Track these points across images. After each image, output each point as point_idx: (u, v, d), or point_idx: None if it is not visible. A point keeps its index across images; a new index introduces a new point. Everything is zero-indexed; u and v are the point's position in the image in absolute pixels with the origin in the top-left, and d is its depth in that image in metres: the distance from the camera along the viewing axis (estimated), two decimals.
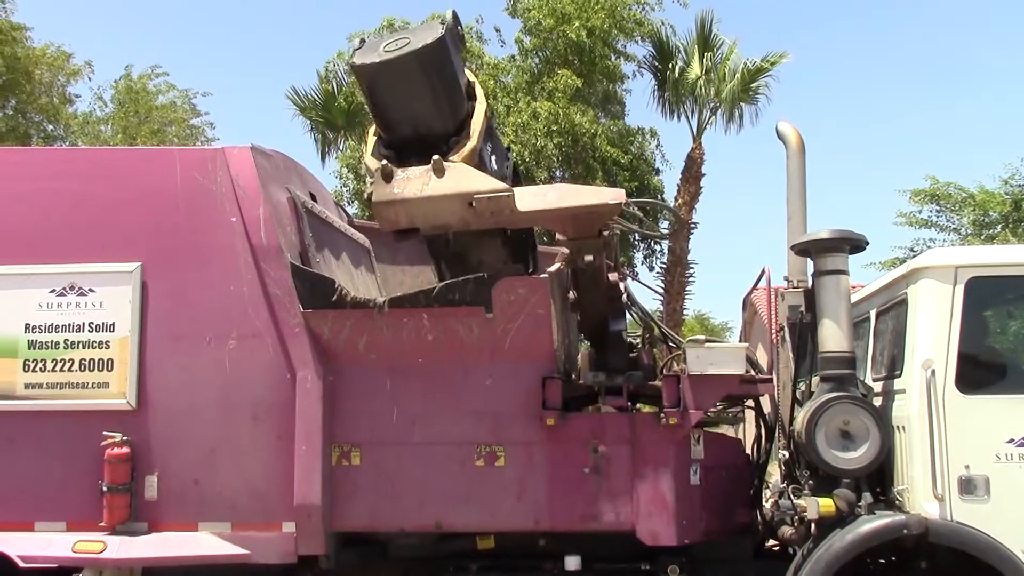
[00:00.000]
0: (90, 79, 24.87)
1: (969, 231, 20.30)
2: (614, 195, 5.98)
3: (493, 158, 6.52)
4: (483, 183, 5.82)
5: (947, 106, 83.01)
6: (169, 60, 71.78)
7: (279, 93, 45.54)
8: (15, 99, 22.50)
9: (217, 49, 66.66)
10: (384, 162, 5.84)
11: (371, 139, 6.28)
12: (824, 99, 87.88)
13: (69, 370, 6.30)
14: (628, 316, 7.24)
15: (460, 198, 5.76)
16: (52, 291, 6.35)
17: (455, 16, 6.03)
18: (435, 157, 5.74)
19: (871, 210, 68.77)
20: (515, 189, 5.89)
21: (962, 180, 22.63)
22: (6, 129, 21.76)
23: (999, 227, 19.84)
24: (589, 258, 6.12)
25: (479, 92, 6.35)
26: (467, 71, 6.39)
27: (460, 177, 5.80)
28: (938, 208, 20.82)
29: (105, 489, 6.09)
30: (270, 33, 72.57)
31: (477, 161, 6.02)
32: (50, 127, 23.84)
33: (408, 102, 5.94)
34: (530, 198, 5.94)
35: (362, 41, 6.14)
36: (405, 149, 6.01)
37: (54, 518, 6.23)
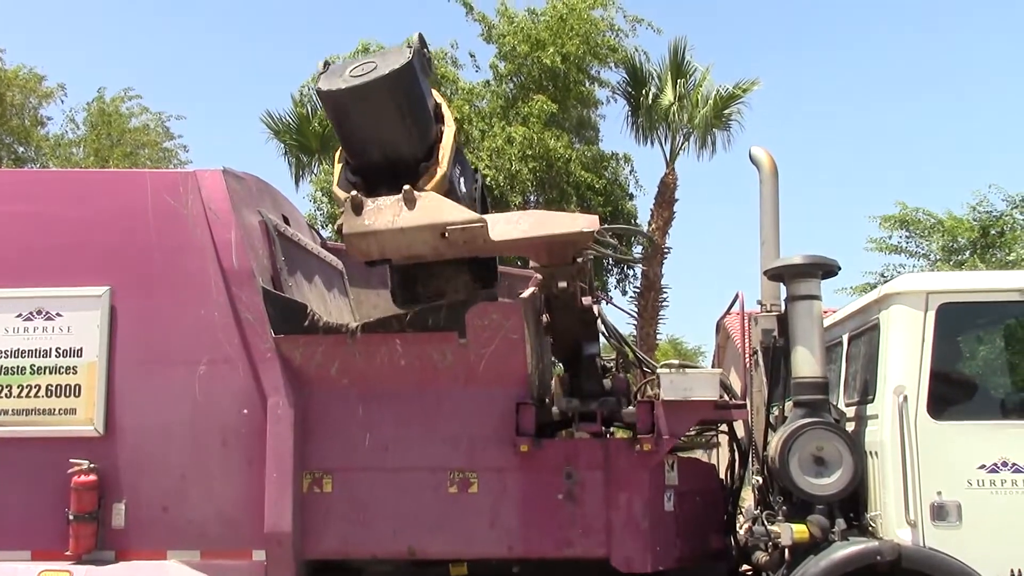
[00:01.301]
0: (62, 101, 24.59)
1: (938, 257, 20.50)
2: (588, 222, 5.98)
3: (462, 180, 6.50)
4: (455, 214, 5.80)
5: (919, 133, 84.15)
6: (143, 83, 71.49)
7: (253, 116, 45.48)
8: None
9: (191, 72, 66.55)
10: (354, 192, 5.80)
11: (338, 166, 6.23)
12: (796, 126, 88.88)
13: (35, 396, 6.20)
14: (602, 340, 7.23)
15: (432, 229, 5.74)
16: (19, 315, 6.25)
17: (421, 39, 6.01)
18: (406, 187, 5.71)
19: (842, 235, 69.34)
20: (487, 217, 5.88)
21: (931, 206, 22.91)
22: None
23: (968, 252, 20.05)
24: (563, 284, 6.11)
25: (447, 115, 6.33)
26: (435, 93, 6.37)
27: (432, 208, 5.77)
28: (907, 234, 21.01)
29: (71, 517, 5.98)
30: (245, 56, 72.60)
31: (448, 187, 6.00)
32: (21, 149, 23.63)
33: (376, 127, 5.89)
34: (503, 226, 5.92)
35: (327, 64, 6.06)
36: (373, 174, 5.97)
37: (19, 547, 6.11)
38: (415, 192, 5.72)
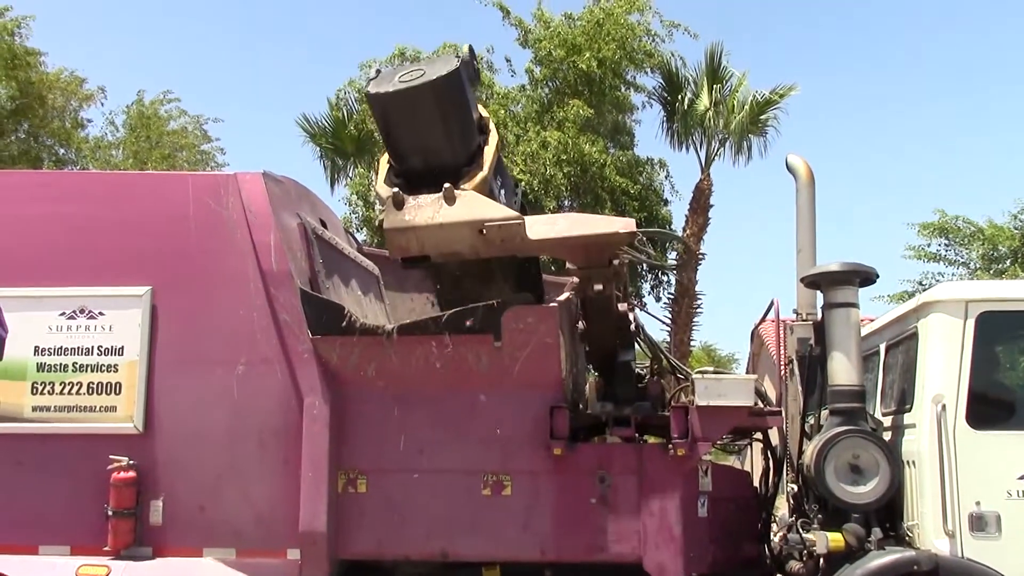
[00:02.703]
0: (102, 104, 24.82)
1: (978, 265, 20.27)
2: (625, 224, 6.00)
3: (502, 192, 6.56)
4: (494, 211, 5.85)
5: (958, 139, 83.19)
6: (181, 86, 72.37)
7: (290, 120, 45.81)
8: (28, 123, 22.60)
9: (229, 76, 67.23)
10: (395, 190, 5.88)
11: (383, 168, 6.33)
12: (833, 131, 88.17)
13: (77, 393, 6.29)
14: (636, 347, 7.23)
15: (471, 225, 5.79)
16: (62, 314, 6.35)
17: (471, 51, 6.11)
18: (446, 185, 5.78)
19: (880, 243, 68.67)
20: (526, 217, 5.91)
21: (971, 214, 22.64)
22: (18, 152, 21.86)
23: (1008, 261, 19.81)
24: (599, 287, 6.12)
25: (491, 128, 6.40)
26: (480, 108, 6.45)
27: (471, 205, 5.83)
28: (947, 242, 20.81)
29: (110, 513, 6.06)
30: (281, 60, 73.23)
31: (487, 191, 6.06)
32: (62, 151, 23.93)
33: (421, 132, 5.99)
34: (541, 226, 5.97)
35: (378, 71, 6.21)
36: (416, 179, 6.04)
37: (58, 542, 6.20)
38: (455, 191, 5.78)
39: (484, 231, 5.78)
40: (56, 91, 23.19)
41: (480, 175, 6.02)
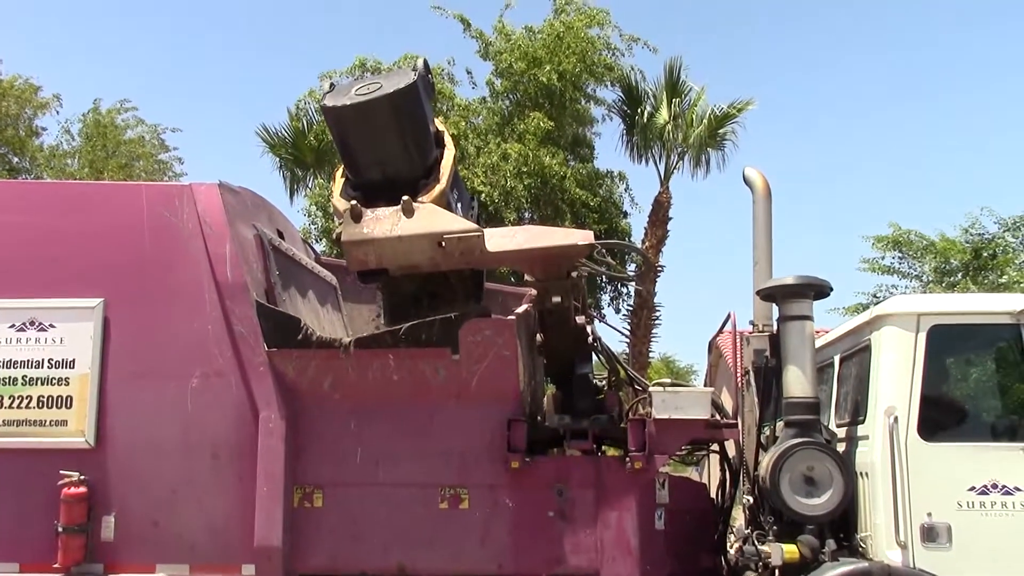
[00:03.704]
0: (58, 112, 24.50)
1: (930, 278, 20.53)
2: (583, 236, 6.03)
3: (459, 206, 6.56)
4: (453, 223, 5.86)
5: (912, 154, 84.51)
6: (139, 95, 71.59)
7: (249, 130, 45.50)
8: None
9: (187, 85, 66.55)
10: (353, 202, 5.86)
11: (339, 180, 6.31)
12: (790, 145, 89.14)
13: (27, 407, 6.20)
14: (594, 358, 7.25)
15: (430, 238, 5.79)
16: (11, 326, 6.25)
17: (426, 64, 6.12)
18: (405, 197, 5.77)
19: (835, 255, 69.54)
20: (484, 230, 5.92)
21: (924, 228, 22.93)
22: None
23: (960, 275, 20.09)
24: (557, 299, 6.14)
25: (448, 140, 6.43)
26: (437, 121, 6.49)
27: (430, 217, 5.83)
28: (900, 255, 21.04)
29: (60, 529, 5.97)
30: (241, 70, 72.66)
31: (445, 204, 6.06)
32: (15, 160, 23.54)
33: (378, 145, 5.99)
34: (499, 239, 5.98)
35: (332, 85, 6.18)
36: (373, 191, 6.03)
37: (7, 559, 6.09)
38: (413, 203, 5.78)
39: (443, 243, 5.78)
40: (10, 99, 22.84)
41: (438, 188, 6.03)
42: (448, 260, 5.93)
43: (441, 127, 6.48)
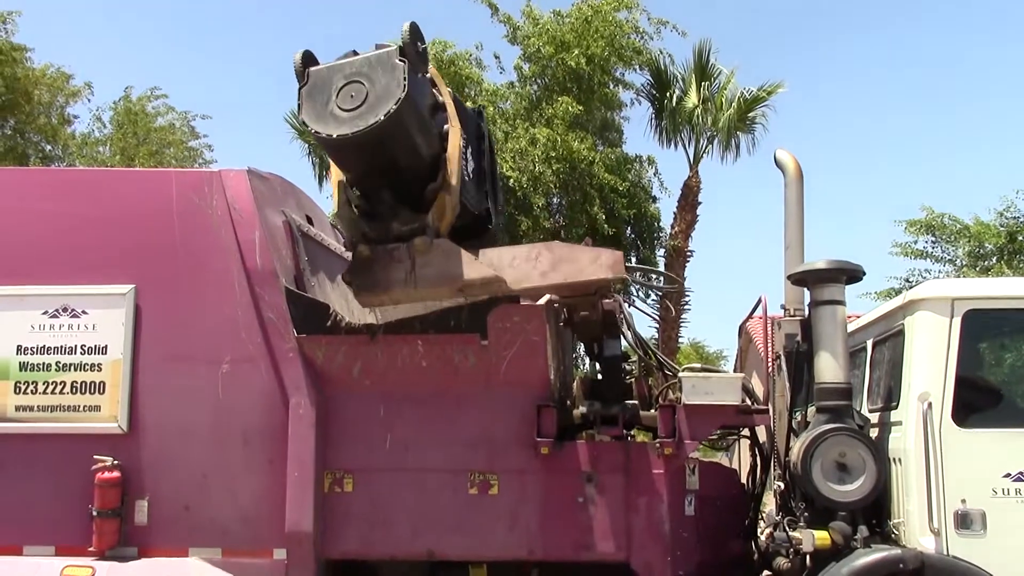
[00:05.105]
0: (89, 100, 24.76)
1: (964, 263, 20.28)
2: (610, 258, 6.01)
3: (470, 165, 6.51)
4: (471, 271, 5.93)
5: (945, 137, 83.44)
6: (169, 82, 71.99)
7: (278, 116, 45.67)
8: (14, 119, 22.47)
9: (217, 72, 66.93)
10: (360, 246, 6.00)
11: (336, 188, 6.31)
12: (821, 129, 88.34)
13: (60, 392, 6.25)
14: (623, 342, 7.22)
15: (448, 287, 5.97)
16: (45, 312, 6.30)
17: (413, 31, 5.82)
18: (415, 241, 5.90)
19: (867, 239, 68.95)
20: (504, 251, 5.97)
21: (958, 211, 22.68)
22: (4, 149, 21.73)
23: (994, 259, 19.85)
24: (584, 314, 6.14)
25: (451, 110, 6.25)
26: (437, 92, 6.28)
27: (446, 261, 5.94)
28: (933, 239, 20.80)
29: (95, 513, 6.02)
30: (270, 56, 72.99)
31: (458, 203, 6.05)
32: (48, 147, 23.80)
33: (373, 162, 5.94)
34: (522, 266, 6.00)
35: (306, 74, 5.80)
36: (374, 194, 6.03)
37: (43, 542, 6.16)
38: (425, 243, 5.89)
39: (463, 289, 5.87)
40: (43, 87, 23.05)
41: (449, 203, 6.04)
42: (470, 297, 6.00)
43: (442, 94, 6.26)
